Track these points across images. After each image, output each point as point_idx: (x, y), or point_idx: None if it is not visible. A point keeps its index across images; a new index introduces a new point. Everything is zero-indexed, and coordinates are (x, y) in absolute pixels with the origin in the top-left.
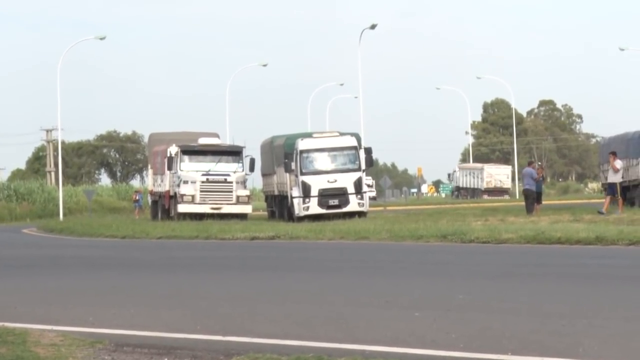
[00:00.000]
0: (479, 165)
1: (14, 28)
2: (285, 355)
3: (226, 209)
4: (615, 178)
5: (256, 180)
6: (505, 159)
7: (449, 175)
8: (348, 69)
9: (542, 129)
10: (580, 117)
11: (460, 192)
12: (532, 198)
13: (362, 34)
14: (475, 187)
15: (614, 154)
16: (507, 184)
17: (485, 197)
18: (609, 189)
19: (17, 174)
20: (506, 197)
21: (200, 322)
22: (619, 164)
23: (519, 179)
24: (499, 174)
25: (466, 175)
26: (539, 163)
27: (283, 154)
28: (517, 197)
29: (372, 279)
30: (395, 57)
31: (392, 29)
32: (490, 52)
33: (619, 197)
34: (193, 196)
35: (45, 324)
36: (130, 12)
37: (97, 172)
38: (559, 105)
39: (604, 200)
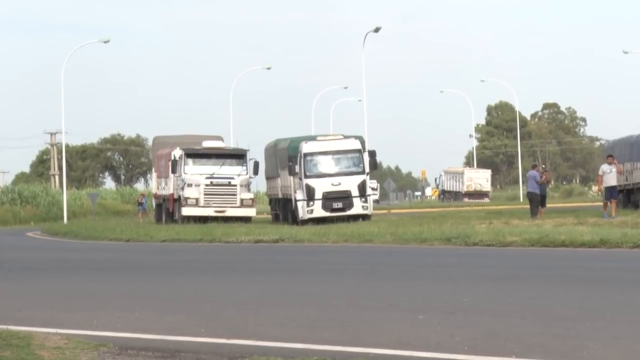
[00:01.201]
0: (460, 169)
1: (17, 32)
2: (289, 358)
3: (230, 212)
4: (616, 181)
5: (260, 184)
6: (509, 162)
7: (435, 179)
8: (352, 72)
9: (546, 132)
10: (584, 120)
11: (445, 195)
12: (537, 201)
13: (365, 37)
14: (458, 190)
15: (612, 156)
16: (487, 187)
17: (466, 200)
18: (610, 193)
19: (21, 177)
20: (486, 200)
21: (204, 325)
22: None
23: (523, 182)
24: (478, 178)
25: (450, 179)
26: (543, 166)
27: (287, 157)
28: (521, 200)
29: (376, 281)
30: (398, 61)
31: (395, 32)
32: (494, 55)
33: (608, 200)
34: (197, 199)
35: (49, 327)
36: (134, 16)
37: (101, 175)
38: (562, 108)
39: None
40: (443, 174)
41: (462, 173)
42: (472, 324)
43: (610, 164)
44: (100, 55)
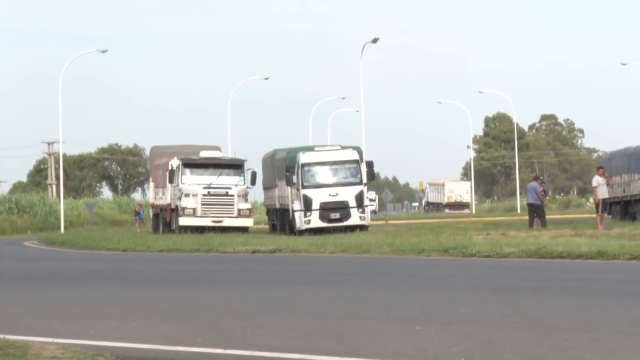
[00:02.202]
0: (441, 181)
1: (15, 41)
2: None
3: (227, 222)
4: (606, 193)
5: (257, 194)
6: (507, 174)
7: (422, 191)
8: (349, 82)
9: (543, 143)
10: (581, 131)
11: (429, 206)
12: (541, 211)
13: (363, 48)
14: (440, 202)
15: (603, 168)
16: (467, 198)
17: (447, 211)
18: (604, 205)
19: (18, 187)
20: (466, 211)
21: (201, 335)
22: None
23: (520, 194)
24: (459, 190)
25: (433, 191)
26: (541, 177)
27: (284, 167)
28: (519, 211)
29: (374, 292)
30: (396, 71)
31: (394, 43)
32: (492, 66)
33: (602, 213)
34: (194, 209)
35: (46, 337)
36: (132, 26)
37: (98, 185)
38: (560, 120)
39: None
40: (428, 185)
41: (443, 185)
42: (469, 334)
43: (601, 175)
44: (98, 65)
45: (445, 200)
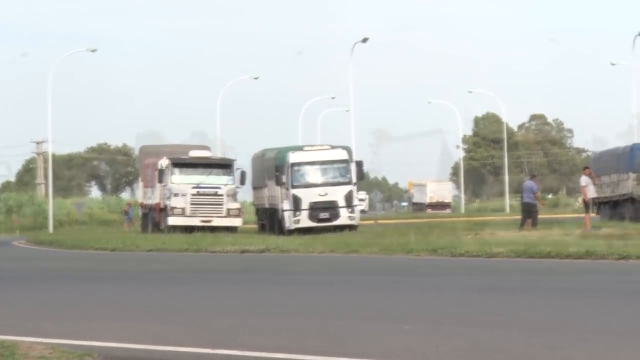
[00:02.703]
0: (424, 181)
1: (4, 39)
2: None
3: (216, 222)
4: (595, 193)
5: (247, 193)
6: (496, 173)
7: (406, 191)
8: (339, 82)
9: (533, 143)
10: (571, 131)
11: (414, 206)
12: (534, 212)
13: (353, 48)
14: (423, 202)
15: (589, 168)
16: (449, 199)
17: (429, 211)
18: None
19: (6, 186)
20: (448, 211)
21: (190, 335)
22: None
23: (510, 193)
24: (440, 190)
25: (417, 192)
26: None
27: (274, 167)
28: (508, 211)
29: (363, 292)
30: (386, 71)
31: (384, 42)
32: (481, 66)
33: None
34: (183, 209)
35: (34, 337)
36: (122, 25)
37: (87, 184)
38: (549, 120)
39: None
40: (413, 186)
41: (425, 185)
42: (458, 334)
43: (587, 175)
44: (88, 64)
45: (428, 201)
